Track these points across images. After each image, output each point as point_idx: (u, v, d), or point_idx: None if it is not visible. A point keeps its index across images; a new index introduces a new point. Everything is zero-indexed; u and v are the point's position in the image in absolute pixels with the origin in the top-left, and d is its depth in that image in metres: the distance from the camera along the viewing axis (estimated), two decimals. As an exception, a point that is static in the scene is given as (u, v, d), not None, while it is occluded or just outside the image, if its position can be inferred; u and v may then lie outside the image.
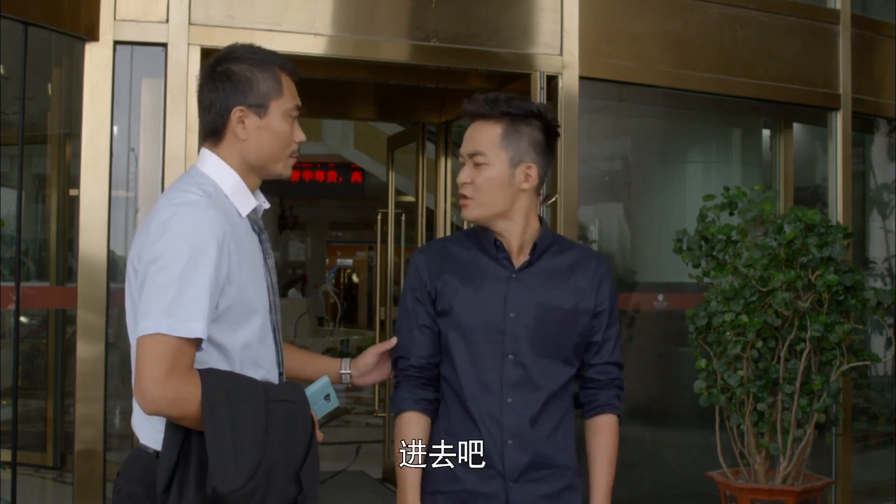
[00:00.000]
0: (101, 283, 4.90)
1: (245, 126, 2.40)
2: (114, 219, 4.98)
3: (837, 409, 5.19)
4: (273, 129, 2.43)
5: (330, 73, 6.37)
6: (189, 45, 5.08)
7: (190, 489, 2.16)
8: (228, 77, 2.43)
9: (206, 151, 2.43)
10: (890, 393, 7.59)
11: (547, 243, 2.65)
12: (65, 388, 7.03)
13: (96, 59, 4.96)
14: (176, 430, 2.20)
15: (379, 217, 7.99)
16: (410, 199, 8.38)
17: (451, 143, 7.61)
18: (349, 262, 28.89)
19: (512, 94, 2.64)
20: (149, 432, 2.31)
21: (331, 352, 14.42)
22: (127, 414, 5.25)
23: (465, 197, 2.60)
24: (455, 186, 7.48)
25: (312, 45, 5.43)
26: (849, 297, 5.09)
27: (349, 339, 15.37)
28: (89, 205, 4.93)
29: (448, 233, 7.47)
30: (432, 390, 2.64)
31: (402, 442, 2.59)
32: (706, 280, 5.25)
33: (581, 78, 5.78)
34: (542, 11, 5.76)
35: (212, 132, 2.42)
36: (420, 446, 2.58)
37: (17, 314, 5.00)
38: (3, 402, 6.11)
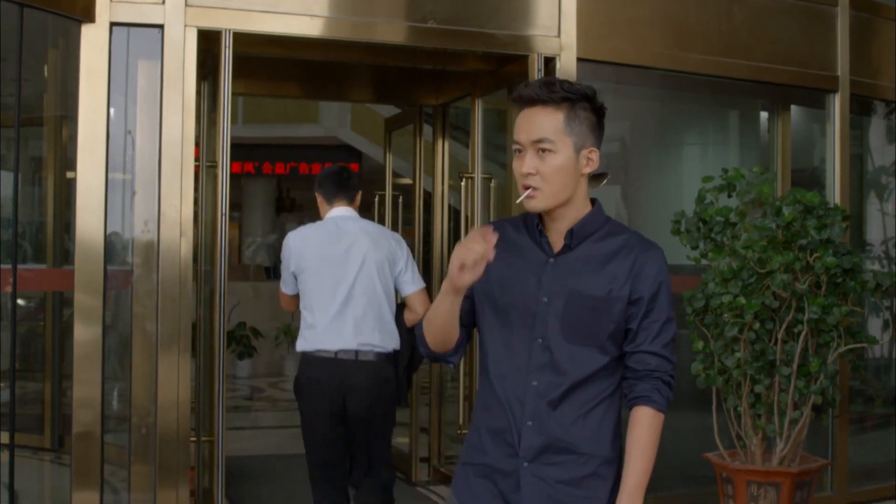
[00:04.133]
0: (98, 265, 4.89)
1: None
2: (111, 201, 4.97)
3: (834, 391, 5.19)
4: None
5: (327, 55, 6.36)
6: (186, 26, 5.06)
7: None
8: None
9: None
10: (886, 375, 7.61)
11: (589, 230, 2.60)
12: (62, 371, 7.04)
13: (92, 41, 4.94)
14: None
15: (376, 199, 7.98)
16: (408, 181, 8.36)
17: (448, 125, 7.60)
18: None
19: (560, 78, 2.60)
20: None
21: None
22: (124, 396, 5.26)
23: (530, 188, 2.54)
24: (452, 169, 7.51)
25: (309, 26, 5.41)
26: (847, 280, 5.09)
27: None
28: (86, 187, 4.92)
29: (445, 215, 7.48)
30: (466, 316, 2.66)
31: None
32: (704, 262, 5.25)
33: (579, 60, 5.76)
34: (539, -7, 5.74)
35: None
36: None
37: (14, 296, 5.00)
38: (1, 385, 6.11)
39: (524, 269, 2.59)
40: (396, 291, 4.84)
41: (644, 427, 2.59)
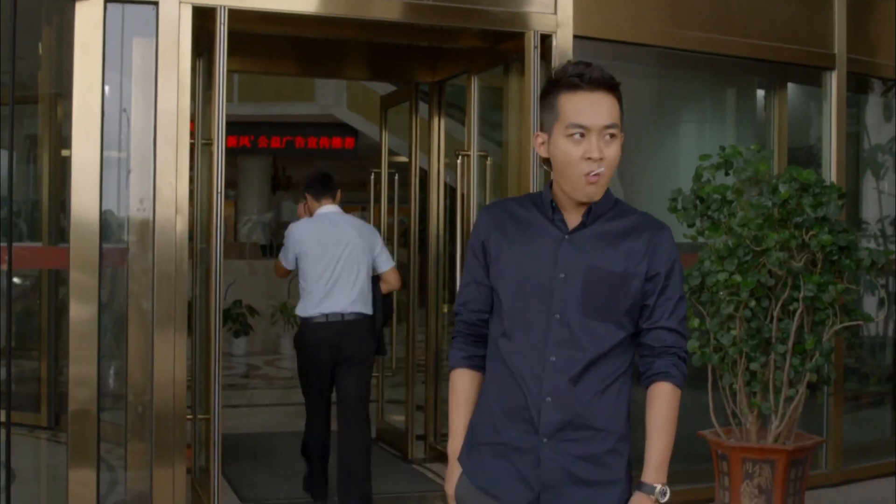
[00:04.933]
0: (93, 243, 4.88)
1: None
2: (106, 179, 4.96)
3: (829, 368, 5.20)
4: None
5: (322, 32, 6.33)
6: (180, 2, 5.04)
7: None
8: None
9: None
10: (881, 353, 7.62)
11: (603, 209, 2.61)
12: (58, 349, 7.04)
13: (87, 18, 4.91)
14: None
15: (372, 177, 7.98)
16: (403, 159, 8.35)
17: (444, 102, 7.58)
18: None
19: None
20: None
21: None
22: (120, 374, 5.26)
23: (594, 174, 2.52)
24: (448, 146, 7.49)
25: (305, 2, 5.39)
26: (843, 258, 5.09)
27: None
28: (81, 165, 4.90)
29: (441, 193, 7.47)
30: (483, 347, 2.73)
31: (453, 395, 2.76)
32: (701, 240, 5.25)
33: (575, 37, 5.74)
34: (536, -31, 5.72)
35: None
36: (469, 398, 2.75)
37: (9, 274, 4.99)
38: (-3, 363, 6.11)
39: (539, 245, 2.60)
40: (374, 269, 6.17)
41: (665, 402, 2.64)
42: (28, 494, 5.89)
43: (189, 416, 5.50)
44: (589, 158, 2.51)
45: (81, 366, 4.90)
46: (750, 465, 5.04)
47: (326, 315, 5.86)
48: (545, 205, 2.63)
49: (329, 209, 6.12)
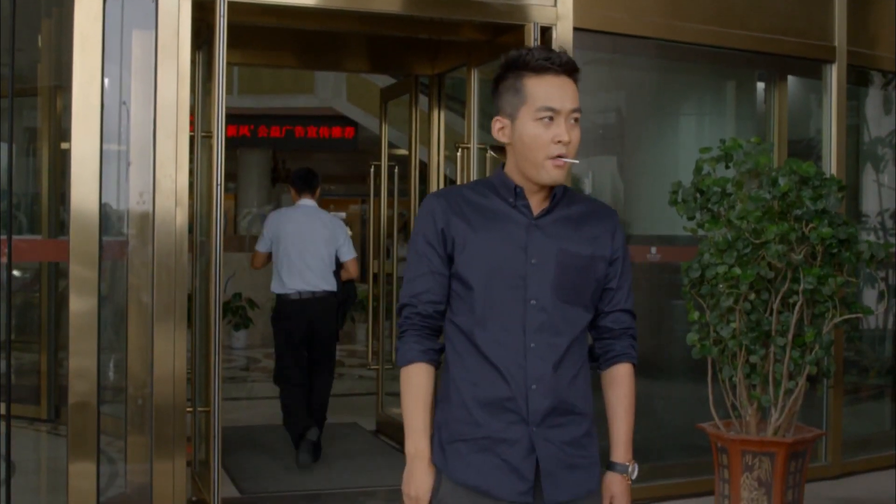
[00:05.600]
0: (93, 236, 4.88)
1: None
2: (105, 171, 4.96)
3: (829, 361, 5.20)
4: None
5: (322, 24, 6.33)
6: (180, -5, 5.03)
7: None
8: None
9: None
10: (881, 346, 7.62)
11: (561, 192, 2.62)
12: (58, 342, 7.04)
13: (86, 10, 4.90)
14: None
15: (372, 170, 7.97)
16: (403, 151, 8.34)
17: (444, 95, 7.57)
18: (342, 215, 28.84)
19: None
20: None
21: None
22: (120, 367, 5.26)
23: (561, 157, 2.53)
24: (448, 139, 7.49)
25: (304, -5, 5.38)
26: (842, 251, 5.09)
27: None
28: (80, 158, 4.89)
29: (441, 186, 7.46)
30: (437, 340, 2.65)
31: (412, 391, 2.61)
32: (700, 232, 5.25)
33: (575, 29, 5.74)
34: (536, -38, 5.71)
35: None
36: (429, 393, 2.62)
37: (9, 267, 4.99)
38: (-3, 356, 6.11)
39: (507, 232, 2.57)
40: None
41: (628, 383, 2.69)
42: (28, 487, 5.89)
43: (189, 409, 5.50)
44: (559, 142, 2.52)
45: (81, 358, 4.90)
46: (749, 458, 5.04)
47: (300, 292, 6.90)
48: (508, 190, 2.61)
49: (307, 202, 7.15)
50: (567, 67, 2.55)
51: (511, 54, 2.58)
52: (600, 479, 2.64)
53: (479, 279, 2.55)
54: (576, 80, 2.57)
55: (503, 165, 2.66)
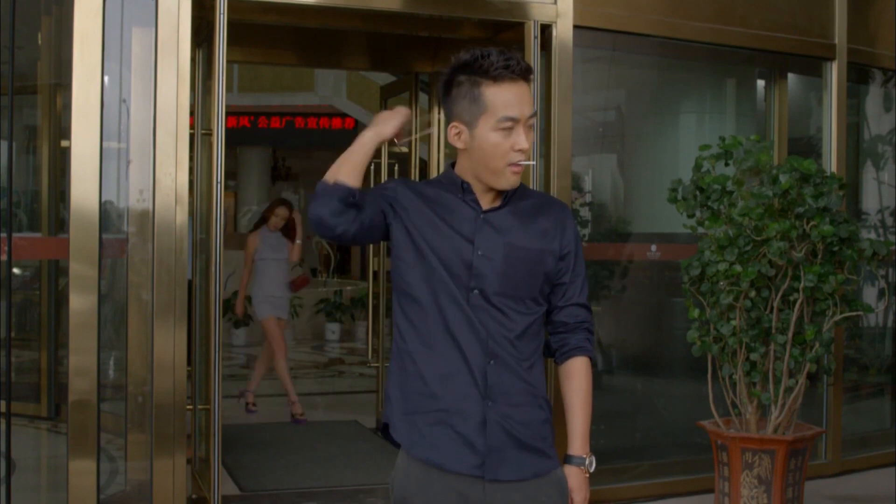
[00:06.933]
0: (93, 234, 4.87)
1: None
2: (105, 169, 4.95)
3: (829, 359, 5.20)
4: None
5: (322, 22, 6.32)
6: (179, -7, 5.02)
7: None
8: None
9: None
10: (881, 343, 7.62)
11: (513, 191, 2.64)
12: (58, 339, 7.04)
13: (86, 8, 4.89)
14: None
15: (372, 168, 7.96)
16: (403, 149, 8.35)
17: (444, 93, 7.56)
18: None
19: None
20: None
21: (324, 302, 14.42)
22: (120, 364, 5.26)
23: (518, 165, 2.55)
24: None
25: (304, -7, 5.38)
26: (843, 248, 5.09)
27: (342, 290, 15.36)
28: (80, 155, 4.89)
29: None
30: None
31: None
32: (701, 230, 5.25)
33: (575, 27, 5.73)
34: (536, -41, 5.70)
35: None
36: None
37: (9, 265, 4.99)
38: (-3, 353, 6.11)
39: (455, 223, 2.60)
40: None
41: (585, 376, 2.69)
42: (28, 485, 5.89)
43: (189, 407, 5.51)
44: (520, 150, 2.53)
45: (81, 356, 4.90)
46: (749, 456, 5.04)
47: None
48: (455, 186, 2.63)
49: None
50: (524, 72, 2.54)
51: (464, 58, 2.55)
52: (556, 472, 2.63)
53: (429, 265, 2.57)
54: (530, 83, 2.57)
55: (452, 165, 2.68)
